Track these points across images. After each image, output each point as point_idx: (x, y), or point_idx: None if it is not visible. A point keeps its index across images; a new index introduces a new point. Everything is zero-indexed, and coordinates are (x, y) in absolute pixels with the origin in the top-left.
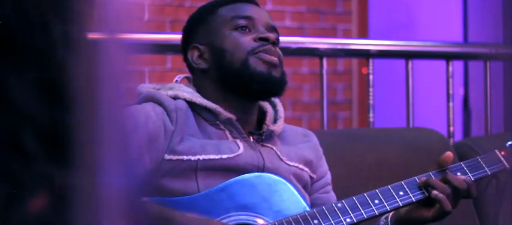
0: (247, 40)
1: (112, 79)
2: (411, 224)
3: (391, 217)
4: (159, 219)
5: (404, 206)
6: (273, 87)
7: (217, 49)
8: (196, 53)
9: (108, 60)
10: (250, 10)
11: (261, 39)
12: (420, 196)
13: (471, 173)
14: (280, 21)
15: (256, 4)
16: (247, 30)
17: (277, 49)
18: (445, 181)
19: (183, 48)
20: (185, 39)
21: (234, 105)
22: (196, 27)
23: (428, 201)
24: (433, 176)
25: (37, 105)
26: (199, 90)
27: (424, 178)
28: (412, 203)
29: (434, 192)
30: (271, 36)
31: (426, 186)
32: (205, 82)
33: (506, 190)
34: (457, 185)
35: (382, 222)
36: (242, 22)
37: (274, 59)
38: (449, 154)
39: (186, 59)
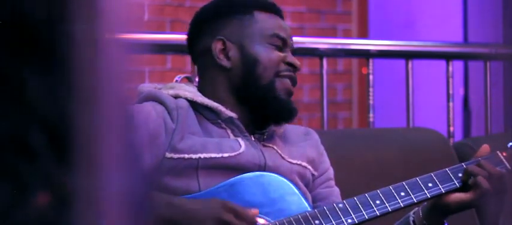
0: (279, 59)
1: (113, 79)
2: (445, 210)
3: (421, 207)
4: (160, 204)
5: (405, 206)
6: (290, 115)
7: (250, 56)
8: (220, 46)
9: (109, 60)
10: (286, 30)
11: (291, 64)
12: (421, 197)
13: None
14: None
15: (283, 19)
16: (280, 49)
17: (296, 76)
18: (480, 166)
19: (196, 31)
20: (205, 24)
21: (238, 108)
22: (226, 19)
23: (460, 189)
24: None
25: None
26: (205, 82)
27: (425, 177)
28: (413, 203)
29: (479, 178)
30: (299, 64)
31: (456, 173)
32: (219, 78)
33: (507, 192)
34: (491, 170)
35: (411, 218)
36: (279, 42)
37: (291, 89)
38: (486, 146)
39: (196, 43)
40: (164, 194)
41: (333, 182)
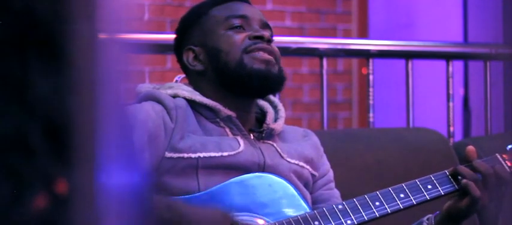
0: (241, 39)
1: (112, 79)
2: (455, 220)
3: (434, 217)
4: (162, 207)
5: (405, 208)
6: (272, 83)
7: (212, 49)
8: (191, 55)
9: (109, 60)
10: (243, 9)
11: (256, 37)
12: (420, 199)
13: None
14: (280, 21)
15: (248, 2)
16: (241, 29)
17: (273, 46)
18: (473, 168)
19: (176, 51)
20: (178, 41)
21: (233, 103)
22: (189, 29)
23: (461, 194)
24: (447, 173)
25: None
26: (197, 90)
27: (425, 178)
28: (413, 205)
29: (464, 181)
30: (266, 33)
31: (455, 175)
32: (203, 83)
33: (507, 192)
34: (483, 171)
35: (425, 223)
36: (237, 22)
37: (269, 57)
38: (471, 148)
39: (180, 61)
40: (167, 198)
41: (333, 185)
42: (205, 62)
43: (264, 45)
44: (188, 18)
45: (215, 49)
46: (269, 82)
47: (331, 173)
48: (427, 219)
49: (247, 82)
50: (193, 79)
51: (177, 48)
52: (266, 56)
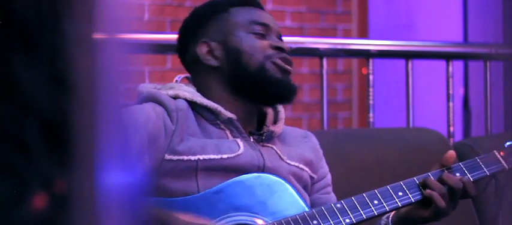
0: (265, 46)
1: (112, 79)
2: (412, 223)
3: (392, 217)
4: (156, 221)
5: (403, 206)
6: (290, 92)
7: (233, 49)
8: (205, 49)
9: (108, 60)
10: (265, 17)
11: (278, 48)
12: (419, 196)
13: (470, 173)
14: (280, 21)
15: (264, 10)
16: (262, 36)
17: (290, 58)
18: (441, 180)
19: (183, 43)
20: (188, 33)
21: (237, 105)
22: (205, 23)
23: (426, 201)
24: (431, 176)
25: (46, 103)
26: (202, 87)
27: (422, 178)
28: (411, 203)
29: (428, 190)
30: (286, 46)
31: (424, 186)
32: (211, 79)
33: (506, 190)
34: (452, 184)
35: (383, 223)
36: (259, 29)
37: (289, 68)
38: (451, 153)
39: (184, 54)
40: (161, 210)
41: (330, 188)
42: (222, 59)
43: (285, 55)
44: (204, 11)
45: (237, 49)
46: (286, 92)
47: (329, 177)
48: (386, 218)
49: (267, 87)
50: (202, 73)
51: (184, 40)
52: (285, 66)
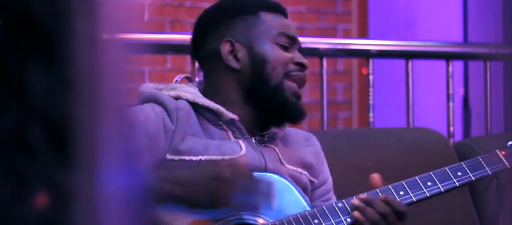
0: (288, 59)
1: (113, 79)
2: None
3: None
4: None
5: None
6: (299, 116)
7: (258, 56)
8: (228, 48)
9: (109, 60)
10: (292, 29)
11: (299, 64)
12: (420, 196)
13: (472, 173)
14: None
15: (289, 19)
16: (287, 49)
17: (305, 76)
18: (368, 204)
19: (201, 34)
20: (210, 26)
21: (244, 109)
22: (232, 21)
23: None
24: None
25: (48, 103)
26: (211, 84)
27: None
28: (413, 202)
29: (355, 213)
30: (307, 63)
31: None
32: (228, 79)
33: (507, 190)
34: (381, 210)
35: None
36: (285, 41)
37: (299, 92)
38: (374, 176)
39: (200, 46)
40: (161, 171)
41: (332, 193)
42: (244, 63)
43: (303, 74)
44: (232, 8)
45: (262, 58)
46: (296, 116)
47: (330, 181)
48: None
49: (281, 108)
50: (218, 71)
51: (207, 30)
52: (298, 91)
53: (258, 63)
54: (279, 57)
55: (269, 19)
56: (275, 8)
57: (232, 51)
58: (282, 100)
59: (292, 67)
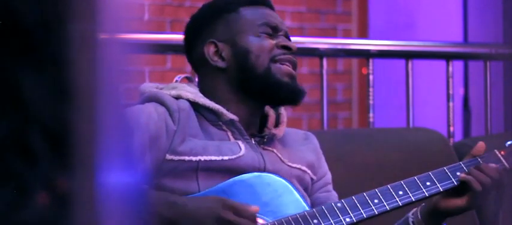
0: (271, 45)
1: (112, 79)
2: (444, 214)
3: (420, 210)
4: (160, 203)
5: (404, 205)
6: (297, 96)
7: (241, 49)
8: (212, 49)
9: (109, 60)
10: (275, 18)
11: (284, 47)
12: (420, 196)
13: None
14: None
15: (273, 8)
16: (269, 36)
17: (295, 58)
18: (478, 168)
19: (189, 41)
20: (196, 32)
21: (241, 107)
22: (214, 22)
23: (459, 189)
24: (464, 166)
25: (47, 106)
26: (206, 88)
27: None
28: (412, 202)
29: (462, 175)
30: (293, 45)
31: (454, 172)
32: (218, 80)
33: (506, 190)
34: (489, 173)
35: (410, 219)
36: (268, 30)
37: (293, 72)
38: (481, 144)
39: (192, 54)
40: (163, 193)
41: (331, 187)
42: (229, 60)
43: (291, 56)
44: (212, 10)
45: (245, 49)
46: (294, 95)
47: (328, 176)
48: (412, 213)
49: (276, 91)
50: (209, 74)
51: (192, 39)
52: (290, 71)
53: (241, 55)
54: (262, 44)
55: (249, 13)
56: (255, 0)
57: (217, 52)
58: (275, 83)
59: (277, 51)
